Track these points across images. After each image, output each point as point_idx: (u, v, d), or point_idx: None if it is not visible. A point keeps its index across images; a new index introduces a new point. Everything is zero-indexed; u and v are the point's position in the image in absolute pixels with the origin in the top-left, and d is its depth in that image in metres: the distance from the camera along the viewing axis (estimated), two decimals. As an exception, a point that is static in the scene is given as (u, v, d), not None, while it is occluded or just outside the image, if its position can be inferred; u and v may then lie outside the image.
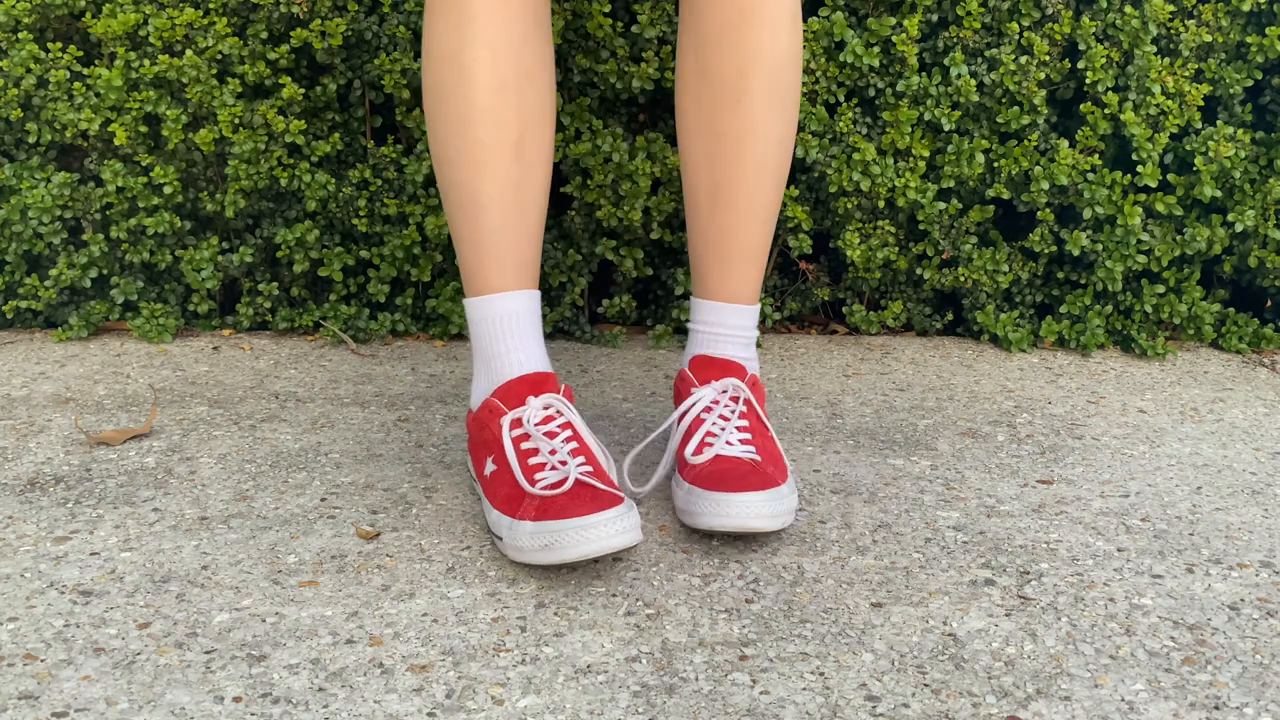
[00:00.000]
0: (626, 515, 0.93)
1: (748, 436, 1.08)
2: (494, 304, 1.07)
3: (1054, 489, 1.18)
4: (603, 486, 0.96)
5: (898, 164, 1.62)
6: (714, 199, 1.14)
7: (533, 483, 0.98)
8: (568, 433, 1.02)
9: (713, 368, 1.13)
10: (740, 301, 1.15)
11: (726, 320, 1.15)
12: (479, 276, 1.08)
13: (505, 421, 1.02)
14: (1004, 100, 1.61)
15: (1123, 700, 0.82)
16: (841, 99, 1.62)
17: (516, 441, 1.02)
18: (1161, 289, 1.65)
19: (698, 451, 1.07)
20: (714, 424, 1.09)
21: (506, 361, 1.06)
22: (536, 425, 1.02)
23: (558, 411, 1.04)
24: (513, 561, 0.99)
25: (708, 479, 1.03)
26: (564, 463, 0.99)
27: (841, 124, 1.60)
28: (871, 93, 1.61)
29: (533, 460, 1.00)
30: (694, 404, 1.11)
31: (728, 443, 1.07)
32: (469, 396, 1.12)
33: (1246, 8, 1.60)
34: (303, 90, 1.57)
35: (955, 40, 1.60)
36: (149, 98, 1.55)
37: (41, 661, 0.83)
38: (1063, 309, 1.67)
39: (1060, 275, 1.69)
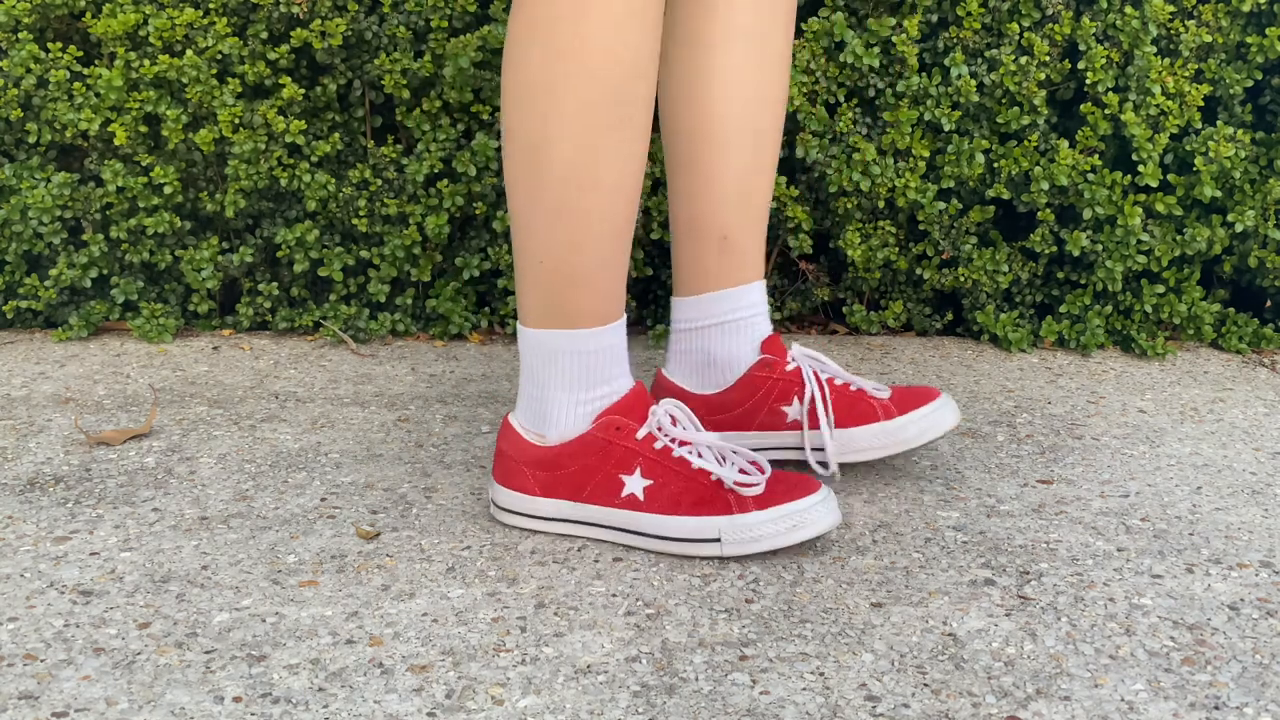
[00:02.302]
0: (831, 495, 1.02)
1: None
2: (614, 333, 1.03)
3: (1054, 489, 1.18)
4: (789, 485, 1.02)
5: (898, 164, 1.62)
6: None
7: (718, 484, 1.00)
8: (694, 431, 1.04)
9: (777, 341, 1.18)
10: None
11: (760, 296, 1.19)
12: (601, 306, 1.02)
13: (659, 431, 1.02)
14: (1004, 100, 1.61)
15: (1123, 700, 0.82)
16: (841, 99, 1.62)
17: (676, 446, 1.02)
18: (1161, 289, 1.65)
19: (866, 393, 1.16)
20: (841, 379, 1.17)
21: (618, 385, 1.04)
22: (676, 428, 1.03)
23: (680, 411, 1.05)
24: (732, 558, 1.01)
25: (906, 401, 1.15)
26: (723, 457, 1.02)
27: (841, 124, 1.60)
28: (871, 93, 1.61)
29: (699, 464, 1.01)
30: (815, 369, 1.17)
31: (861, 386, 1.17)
32: (514, 421, 1.07)
33: (1246, 8, 1.60)
34: (303, 90, 1.57)
35: (955, 40, 1.60)
36: (149, 98, 1.55)
37: (41, 661, 0.83)
38: (1063, 309, 1.67)
39: (1060, 275, 1.69)
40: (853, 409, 1.15)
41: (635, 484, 1.01)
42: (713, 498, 1.00)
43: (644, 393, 1.04)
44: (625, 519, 1.02)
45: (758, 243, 1.17)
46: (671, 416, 1.04)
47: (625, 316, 1.05)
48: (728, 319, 1.16)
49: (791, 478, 1.02)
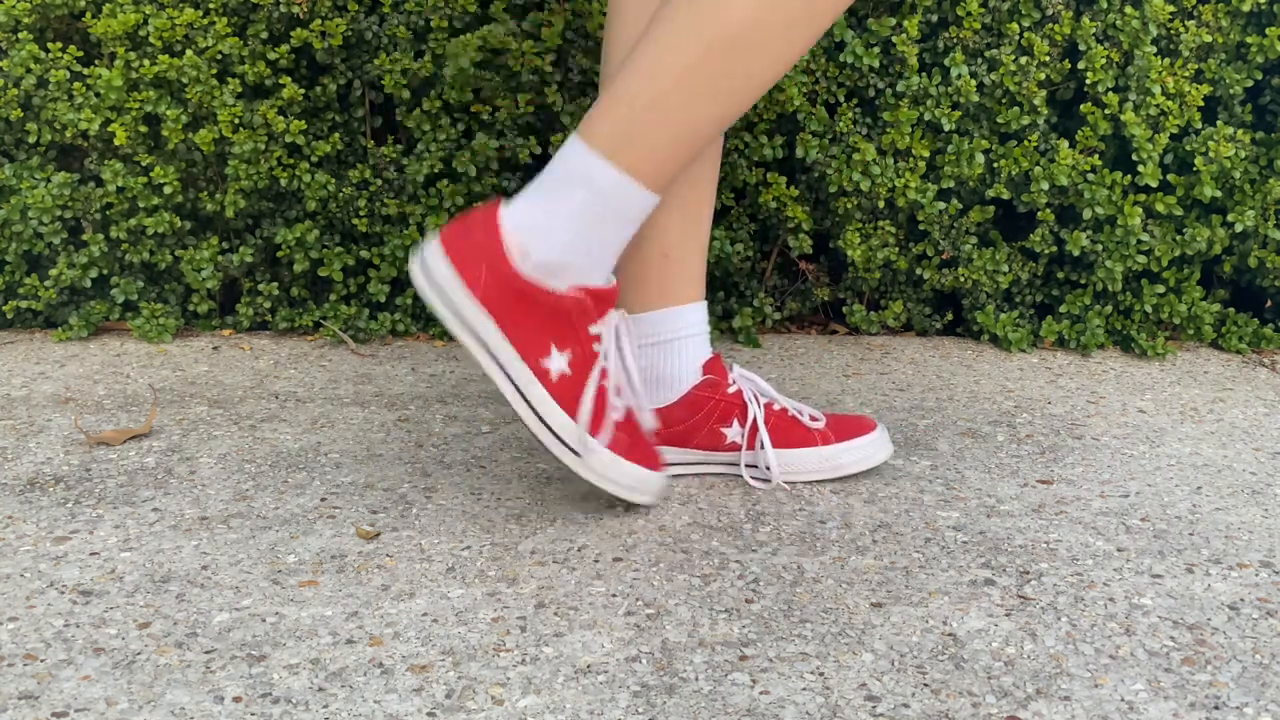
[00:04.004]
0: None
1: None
2: (644, 202, 1.00)
3: (1054, 489, 1.18)
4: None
5: (898, 164, 1.62)
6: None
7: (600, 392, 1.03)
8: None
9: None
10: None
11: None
12: (658, 170, 0.98)
13: (599, 342, 1.02)
14: (1004, 100, 1.61)
15: (1123, 700, 0.82)
16: (841, 99, 1.62)
17: (591, 357, 1.03)
18: (1161, 289, 1.65)
19: (800, 420, 1.17)
20: (779, 403, 1.18)
21: (604, 267, 1.02)
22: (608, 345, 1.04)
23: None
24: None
25: (843, 429, 1.18)
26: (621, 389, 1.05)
27: (841, 124, 1.60)
28: (871, 93, 1.61)
29: (607, 380, 1.03)
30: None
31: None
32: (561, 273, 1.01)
33: (1246, 8, 1.60)
34: (303, 90, 1.57)
35: (955, 41, 1.60)
36: (149, 98, 1.55)
37: (41, 661, 0.84)
38: (1063, 309, 1.67)
39: (1060, 275, 1.69)
40: (791, 433, 1.16)
41: (556, 362, 1.00)
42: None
43: (615, 296, 1.02)
44: (522, 374, 1.00)
45: (699, 261, 1.17)
46: (616, 332, 1.04)
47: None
48: (670, 338, 1.16)
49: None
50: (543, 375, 1.00)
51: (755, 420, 1.15)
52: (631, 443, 1.04)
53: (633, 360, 1.05)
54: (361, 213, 1.59)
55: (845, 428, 1.18)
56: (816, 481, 1.18)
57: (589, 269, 0.99)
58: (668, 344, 1.15)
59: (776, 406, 1.17)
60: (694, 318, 1.16)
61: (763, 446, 1.14)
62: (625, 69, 0.99)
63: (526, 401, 1.00)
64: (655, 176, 0.99)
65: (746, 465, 1.17)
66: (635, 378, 1.05)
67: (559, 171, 0.99)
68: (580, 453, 1.01)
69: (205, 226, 1.65)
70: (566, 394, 1.00)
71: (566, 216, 0.98)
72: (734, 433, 1.15)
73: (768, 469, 1.15)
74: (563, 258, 0.98)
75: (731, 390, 1.16)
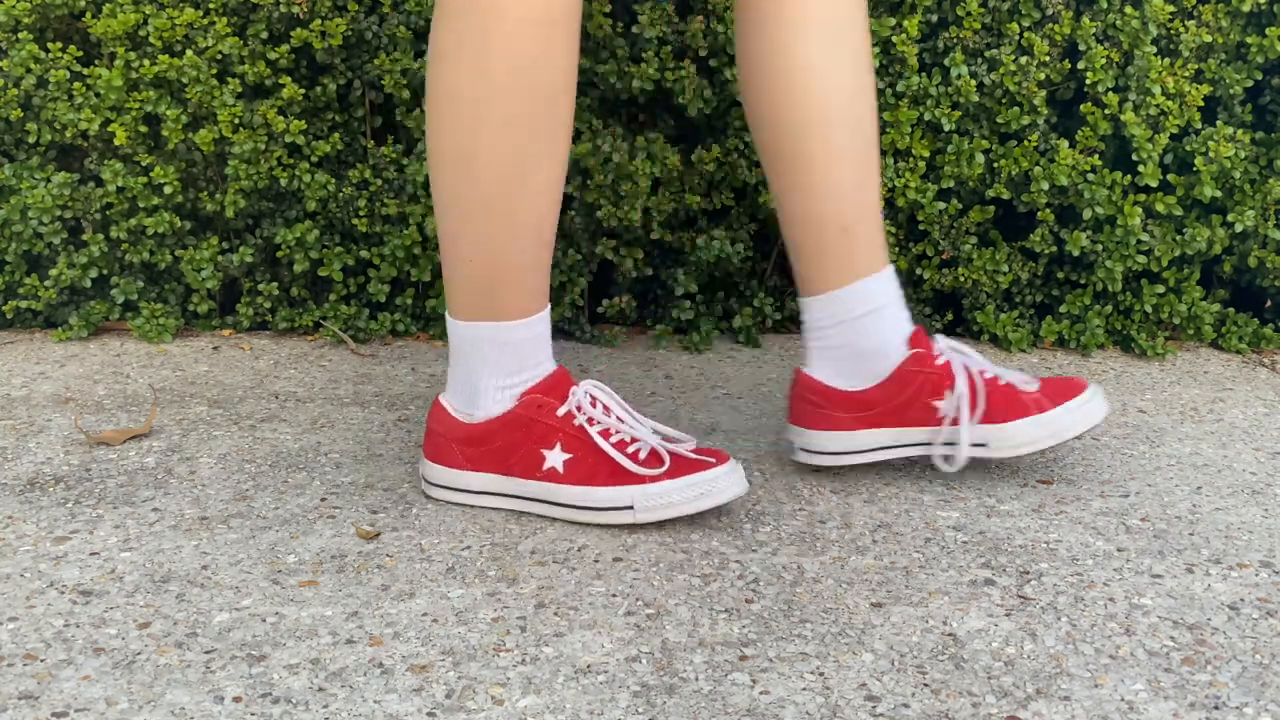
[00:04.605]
0: (738, 468, 1.07)
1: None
2: (539, 324, 1.08)
3: (1054, 489, 1.18)
4: (695, 456, 1.07)
5: (898, 164, 1.62)
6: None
7: (632, 456, 1.06)
8: (619, 409, 1.09)
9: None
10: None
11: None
12: (524, 301, 1.06)
13: (578, 410, 1.07)
14: (1004, 100, 1.61)
15: (1123, 700, 0.82)
16: (841, 99, 1.62)
17: (590, 424, 1.07)
18: (1161, 289, 1.65)
19: (1015, 386, 1.16)
20: (990, 371, 1.17)
21: (541, 369, 1.09)
22: (595, 408, 1.08)
23: (600, 391, 1.10)
24: (630, 526, 1.05)
25: (1057, 392, 1.16)
26: (636, 439, 1.07)
27: (841, 124, 1.60)
28: (871, 93, 1.61)
29: (614, 438, 1.07)
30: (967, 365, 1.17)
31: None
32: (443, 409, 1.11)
33: (1246, 8, 1.60)
34: (303, 90, 1.57)
35: (955, 40, 1.60)
36: (149, 98, 1.55)
37: (41, 661, 0.83)
38: (1063, 309, 1.67)
39: (1060, 275, 1.69)
40: (1005, 403, 1.14)
41: (555, 457, 1.06)
42: (626, 469, 1.05)
43: (565, 375, 1.09)
44: (546, 490, 1.07)
45: (878, 228, 1.15)
46: (592, 397, 1.08)
47: (549, 308, 1.09)
48: (865, 312, 1.15)
49: (701, 451, 1.08)
50: (553, 477, 1.07)
51: (963, 392, 1.14)
52: (674, 464, 1.06)
53: (618, 406, 1.09)
54: (361, 213, 1.59)
55: (1059, 390, 1.16)
56: (809, 481, 1.18)
57: (518, 381, 1.08)
58: (863, 318, 1.15)
59: (989, 375, 1.16)
60: (885, 285, 1.15)
61: (961, 421, 1.14)
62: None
63: (564, 505, 1.07)
64: (472, 309, 1.08)
65: (944, 443, 1.15)
66: (634, 418, 1.09)
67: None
68: (633, 505, 1.05)
69: (205, 226, 1.65)
70: (581, 476, 1.06)
71: (470, 370, 1.09)
72: (946, 405, 1.14)
73: (977, 445, 1.15)
74: (487, 396, 1.08)
75: (940, 362, 1.15)
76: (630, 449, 1.06)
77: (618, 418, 1.08)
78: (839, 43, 1.11)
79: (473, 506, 1.10)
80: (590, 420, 1.07)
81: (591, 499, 1.06)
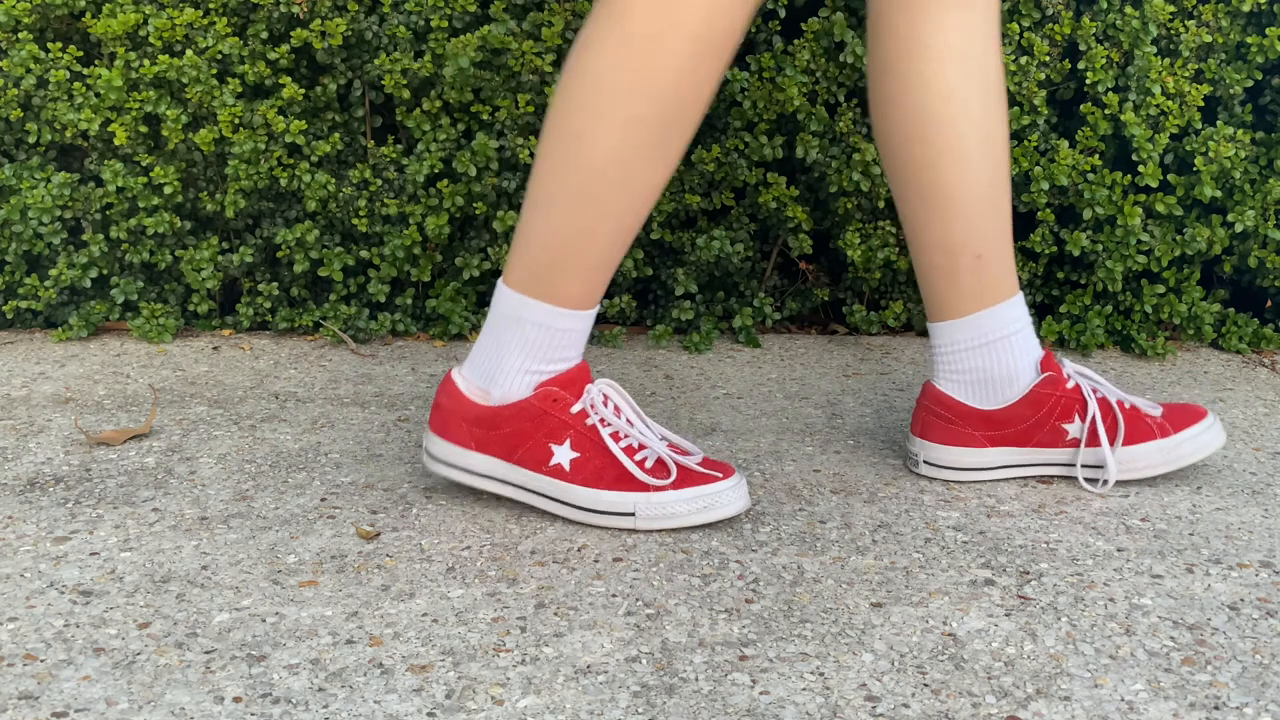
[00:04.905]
0: (742, 483, 1.07)
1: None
2: (587, 319, 1.08)
3: (1054, 489, 1.18)
4: (701, 470, 1.07)
5: (898, 164, 1.62)
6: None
7: (639, 463, 1.06)
8: (629, 412, 1.09)
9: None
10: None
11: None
12: (585, 293, 1.07)
13: (591, 409, 1.07)
14: (1004, 100, 1.61)
15: (1123, 700, 0.82)
16: (841, 99, 1.62)
17: (602, 425, 1.07)
18: (1161, 289, 1.65)
19: (1141, 410, 1.19)
20: (1116, 396, 1.20)
21: (568, 363, 1.09)
22: (607, 408, 1.08)
23: (614, 391, 1.10)
24: (634, 531, 1.06)
25: (1178, 419, 1.19)
26: (644, 445, 1.07)
27: (841, 124, 1.60)
28: (871, 93, 1.61)
29: (624, 442, 1.07)
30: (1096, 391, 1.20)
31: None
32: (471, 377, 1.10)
33: (1246, 8, 1.60)
34: (303, 90, 1.57)
35: (955, 40, 1.60)
36: (149, 98, 1.55)
37: (41, 661, 0.83)
38: (1063, 309, 1.67)
39: (1060, 275, 1.69)
40: (1131, 427, 1.18)
41: (563, 454, 1.06)
42: (633, 475, 1.05)
43: (586, 371, 1.09)
44: (550, 486, 1.07)
45: (1009, 255, 1.17)
46: (605, 396, 1.08)
47: (599, 308, 1.07)
48: (996, 338, 1.17)
49: (708, 463, 1.08)
50: (559, 474, 1.07)
51: (1094, 416, 1.16)
52: (680, 475, 1.06)
53: (629, 408, 1.09)
54: (361, 213, 1.59)
55: (1181, 417, 1.19)
56: (809, 481, 1.18)
57: (539, 370, 1.07)
58: (996, 344, 1.17)
59: (1114, 399, 1.19)
60: (1017, 312, 1.17)
61: (1101, 443, 1.16)
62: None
63: (566, 504, 1.07)
64: (531, 284, 1.07)
65: (1083, 465, 1.18)
66: (644, 423, 1.10)
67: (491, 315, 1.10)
68: (635, 513, 1.06)
69: (205, 226, 1.65)
70: (587, 477, 1.06)
71: (500, 344, 1.08)
72: (1075, 429, 1.17)
73: (1096, 466, 1.18)
74: (508, 377, 1.08)
75: (1070, 385, 1.17)
76: (638, 455, 1.06)
77: (628, 420, 1.08)
78: (976, 74, 1.12)
79: (469, 488, 1.10)
80: (602, 421, 1.07)
81: (595, 501, 1.06)
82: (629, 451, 1.06)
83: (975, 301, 1.16)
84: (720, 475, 1.06)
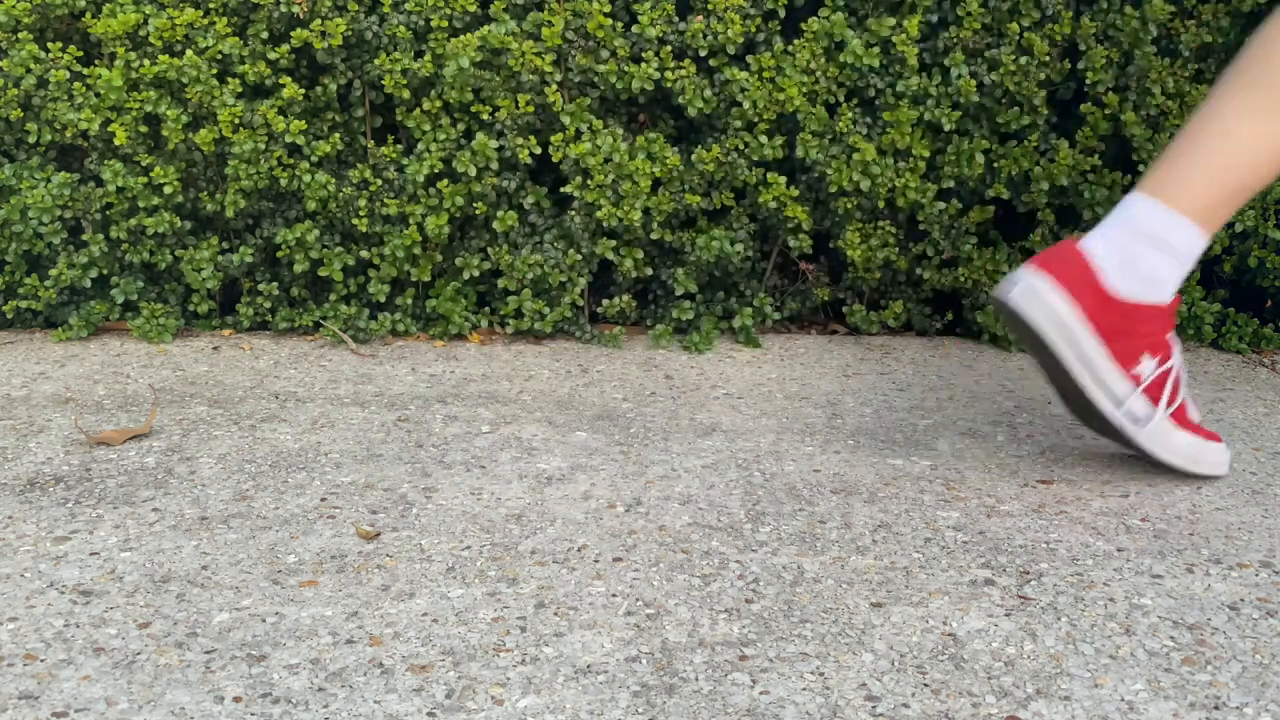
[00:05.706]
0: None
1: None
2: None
3: (1054, 489, 1.18)
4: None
5: (898, 164, 1.62)
6: None
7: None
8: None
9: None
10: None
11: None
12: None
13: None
14: (1004, 100, 1.61)
15: (1123, 700, 0.82)
16: (841, 99, 1.62)
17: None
18: (1161, 289, 1.65)
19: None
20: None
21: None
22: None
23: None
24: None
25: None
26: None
27: (841, 124, 1.60)
28: (871, 93, 1.61)
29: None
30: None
31: None
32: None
33: (1246, 8, 1.60)
34: (303, 90, 1.57)
35: (955, 40, 1.60)
36: (149, 98, 1.55)
37: (41, 661, 0.84)
38: (1063, 309, 1.67)
39: (1060, 275, 1.69)
40: (1181, 411, 1.20)
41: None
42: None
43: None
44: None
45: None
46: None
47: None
48: (1169, 247, 1.17)
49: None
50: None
51: (1171, 373, 1.18)
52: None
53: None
54: (361, 213, 1.59)
55: (1207, 431, 1.23)
56: (809, 481, 1.18)
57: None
58: (1165, 249, 1.16)
59: (1183, 379, 1.21)
60: (1196, 242, 1.18)
61: (1160, 400, 1.18)
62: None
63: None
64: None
65: (1128, 411, 1.17)
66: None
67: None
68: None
69: (205, 226, 1.65)
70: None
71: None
72: (1148, 367, 1.17)
73: (1138, 420, 1.18)
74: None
75: (1169, 336, 1.18)
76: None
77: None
78: None
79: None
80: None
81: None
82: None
83: (1181, 197, 1.16)
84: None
